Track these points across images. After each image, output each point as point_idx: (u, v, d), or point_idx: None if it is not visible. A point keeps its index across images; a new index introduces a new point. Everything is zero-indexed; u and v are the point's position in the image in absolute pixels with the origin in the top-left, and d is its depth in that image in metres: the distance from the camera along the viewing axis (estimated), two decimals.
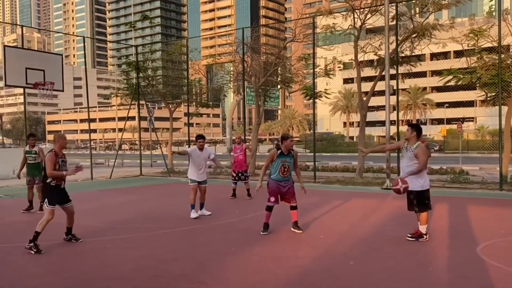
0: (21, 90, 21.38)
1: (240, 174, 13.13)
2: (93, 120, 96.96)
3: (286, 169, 8.14)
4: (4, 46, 15.27)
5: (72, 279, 5.83)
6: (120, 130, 40.19)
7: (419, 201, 7.42)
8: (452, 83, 17.06)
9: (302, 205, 11.56)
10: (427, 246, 7.29)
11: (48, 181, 7.27)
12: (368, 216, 10.13)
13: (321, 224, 9.22)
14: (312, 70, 18.66)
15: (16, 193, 13.86)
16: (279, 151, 8.15)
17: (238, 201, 12.63)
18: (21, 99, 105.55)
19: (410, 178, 7.30)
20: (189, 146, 22.75)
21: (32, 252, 6.98)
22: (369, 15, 17.84)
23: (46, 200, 7.32)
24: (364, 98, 18.55)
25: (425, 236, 7.52)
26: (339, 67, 20.56)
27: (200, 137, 10.10)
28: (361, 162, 18.29)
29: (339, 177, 18.34)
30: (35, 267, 6.42)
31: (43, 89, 14.96)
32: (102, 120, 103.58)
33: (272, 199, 8.18)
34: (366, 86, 19.37)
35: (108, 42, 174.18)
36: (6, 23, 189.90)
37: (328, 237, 7.98)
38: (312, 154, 19.12)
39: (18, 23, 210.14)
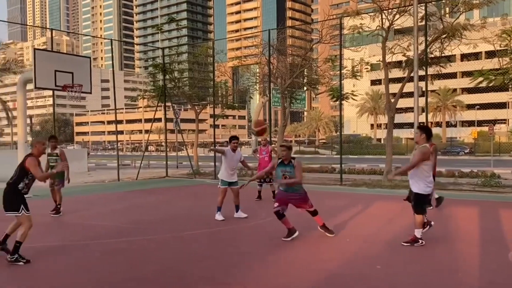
0: (50, 92, 21.77)
1: (265, 176, 13.00)
2: (120, 122, 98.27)
3: (285, 179, 7.81)
4: (34, 49, 15.53)
5: (99, 280, 5.87)
6: (147, 131, 40.57)
7: (416, 203, 7.32)
8: (483, 84, 16.64)
9: (328, 208, 11.48)
10: (456, 250, 7.13)
11: (20, 187, 6.62)
12: (395, 219, 9.96)
13: (348, 228, 9.09)
14: (339, 72, 18.46)
15: (45, 194, 14.10)
16: (280, 160, 7.88)
17: (264, 203, 12.55)
18: (50, 101, 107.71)
19: (412, 179, 7.27)
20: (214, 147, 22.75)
21: (21, 263, 6.46)
22: (397, 16, 17.53)
23: (23, 207, 6.60)
24: (392, 100, 18.25)
25: (420, 241, 7.33)
26: (367, 68, 20.29)
27: (234, 138, 10.03)
28: (388, 165, 17.98)
29: (366, 179, 18.08)
30: (62, 267, 6.50)
31: (71, 91, 15.18)
32: (128, 121, 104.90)
33: (276, 204, 7.91)
34: (394, 88, 19.03)
35: (135, 45, 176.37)
36: (37, 26, 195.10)
37: (355, 241, 7.88)
38: (338, 156, 18.91)
39: (48, 26, 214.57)
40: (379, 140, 69.87)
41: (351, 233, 8.55)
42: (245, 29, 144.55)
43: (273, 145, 13.54)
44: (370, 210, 11.43)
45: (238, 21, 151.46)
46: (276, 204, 7.87)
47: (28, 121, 17.26)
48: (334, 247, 7.44)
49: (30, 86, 15.78)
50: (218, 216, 9.85)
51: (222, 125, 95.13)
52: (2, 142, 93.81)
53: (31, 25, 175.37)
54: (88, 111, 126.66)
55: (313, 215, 8.13)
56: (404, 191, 14.94)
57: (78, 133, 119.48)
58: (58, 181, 10.97)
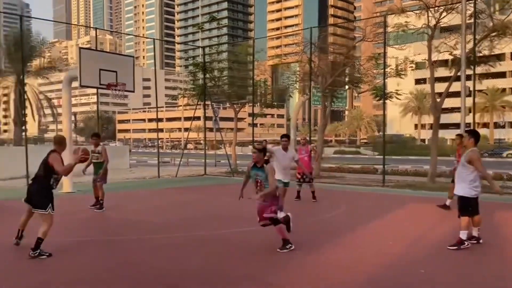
0: (93, 90, 22.18)
1: (304, 176, 12.77)
2: (160, 120, 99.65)
3: (258, 184, 7.06)
4: (80, 48, 15.82)
5: (143, 273, 5.94)
6: (186, 129, 40.96)
7: (460, 206, 7.32)
8: None
9: (370, 209, 11.24)
10: (505, 256, 6.86)
11: (51, 182, 6.76)
12: (440, 222, 9.65)
13: (390, 230, 8.88)
14: (382, 70, 18.04)
15: (88, 189, 14.39)
16: (253, 163, 7.15)
17: (304, 203, 12.38)
18: (94, 99, 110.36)
19: (458, 182, 7.34)
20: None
21: (44, 256, 6.59)
22: (444, 13, 16.96)
23: (50, 206, 6.73)
24: (438, 100, 17.69)
25: (466, 243, 7.18)
26: (411, 67, 19.76)
27: (284, 136, 9.83)
28: (433, 166, 17.45)
29: (410, 181, 17.63)
30: (108, 261, 6.62)
31: (115, 89, 15.37)
32: (168, 119, 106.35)
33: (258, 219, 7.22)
34: (440, 87, 18.44)
35: (176, 44, 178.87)
36: (81, 25, 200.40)
37: (398, 244, 7.67)
38: (380, 156, 18.50)
39: (91, 25, 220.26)
40: (423, 140, 68.27)
41: (394, 235, 8.35)
42: (286, 27, 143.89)
43: (312, 145, 13.33)
44: (414, 213, 11.13)
45: (278, 19, 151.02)
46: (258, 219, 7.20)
47: (72, 118, 17.70)
48: (376, 250, 7.26)
49: (74, 84, 16.09)
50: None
51: (261, 124, 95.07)
52: (47, 138, 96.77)
53: (75, 24, 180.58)
54: (130, 109, 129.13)
55: (274, 224, 7.13)
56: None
57: (120, 131, 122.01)
58: (99, 177, 11.13)
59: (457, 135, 11.18)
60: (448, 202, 11.07)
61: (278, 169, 9.51)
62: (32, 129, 45.14)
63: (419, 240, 8.00)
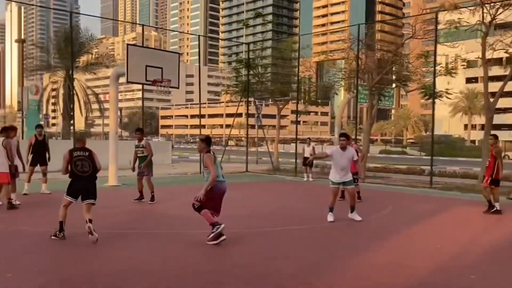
0: (138, 86, 22.50)
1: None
2: (203, 116, 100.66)
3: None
4: (127, 44, 16.01)
5: (183, 268, 5.96)
6: (228, 126, 41.08)
7: None
8: None
9: (417, 211, 10.85)
10: None
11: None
12: (490, 227, 9.27)
13: (438, 233, 8.55)
14: (432, 68, 17.41)
15: (133, 183, 14.59)
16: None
17: (346, 204, 12.12)
18: (138, 95, 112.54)
19: None
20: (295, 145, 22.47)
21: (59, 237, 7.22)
22: (500, 10, 16.17)
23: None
24: (491, 100, 16.92)
25: None
26: (463, 65, 19.00)
27: (342, 135, 9.52)
28: (484, 168, 16.70)
29: (458, 183, 16.97)
30: (149, 255, 6.67)
31: (160, 85, 15.47)
32: (210, 116, 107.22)
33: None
34: (493, 87, 17.65)
35: (220, 40, 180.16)
36: (128, 22, 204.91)
37: (446, 248, 7.38)
38: (427, 157, 17.90)
39: (138, 22, 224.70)
40: (473, 141, 66.00)
41: (442, 239, 8.04)
42: (332, 23, 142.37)
43: (358, 144, 12.97)
44: (463, 216, 10.74)
45: (324, 15, 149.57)
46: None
47: (118, 113, 18.07)
48: (424, 253, 6.98)
49: (121, 79, 16.30)
50: (329, 217, 9.30)
51: (304, 122, 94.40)
52: (94, 132, 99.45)
53: (122, 21, 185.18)
54: (173, 105, 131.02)
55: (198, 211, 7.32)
56: (501, 198, 13.82)
57: (163, 126, 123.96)
58: (146, 171, 11.34)
59: (492, 135, 11.21)
60: (498, 206, 10.69)
61: (335, 169, 9.31)
62: (79, 123, 46.39)
63: (468, 244, 7.70)
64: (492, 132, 13.05)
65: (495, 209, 10.66)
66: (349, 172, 9.35)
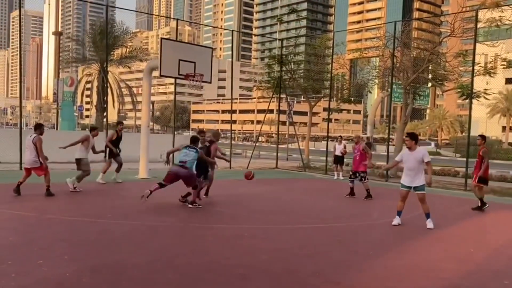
0: (171, 80, 22.66)
1: (357, 174, 12.71)
2: (234, 112, 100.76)
3: None
4: (161, 38, 16.11)
5: (212, 261, 5.96)
6: (259, 122, 41.04)
7: None
8: None
9: (451, 213, 10.61)
10: None
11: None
12: None
13: (472, 237, 8.36)
14: (470, 68, 16.91)
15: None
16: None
17: (375, 203, 12.00)
18: (171, 88, 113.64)
19: None
20: (327, 143, 22.25)
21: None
22: None
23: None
24: None
25: None
26: (503, 65, 18.37)
27: (407, 134, 8.88)
28: None
29: (495, 186, 16.46)
30: (178, 248, 6.74)
31: (193, 80, 15.52)
32: (241, 111, 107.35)
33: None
34: None
35: (253, 36, 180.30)
36: (163, 16, 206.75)
37: (479, 252, 7.18)
38: (463, 159, 17.45)
39: (172, 16, 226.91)
40: (510, 144, 64.17)
41: (476, 243, 7.85)
42: (368, 20, 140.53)
43: (364, 143, 12.94)
44: (498, 220, 10.44)
45: (360, 12, 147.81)
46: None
47: (150, 107, 18.28)
48: (456, 257, 6.81)
49: (154, 73, 16.42)
50: (394, 220, 8.90)
51: (336, 120, 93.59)
52: (126, 125, 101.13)
53: (157, 15, 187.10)
54: (205, 99, 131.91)
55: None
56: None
57: (194, 121, 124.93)
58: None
59: (479, 135, 12.03)
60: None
61: (404, 171, 8.81)
62: (112, 115, 47.17)
63: (503, 249, 7.48)
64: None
65: (486, 206, 11.23)
66: (420, 175, 8.58)
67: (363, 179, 12.66)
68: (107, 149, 13.43)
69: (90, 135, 12.19)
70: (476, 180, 11.32)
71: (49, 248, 6.30)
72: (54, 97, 40.78)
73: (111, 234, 7.25)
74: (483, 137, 11.95)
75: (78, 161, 11.82)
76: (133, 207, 9.65)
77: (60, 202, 10.11)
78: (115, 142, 13.50)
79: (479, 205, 11.35)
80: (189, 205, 9.94)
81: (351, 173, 13.14)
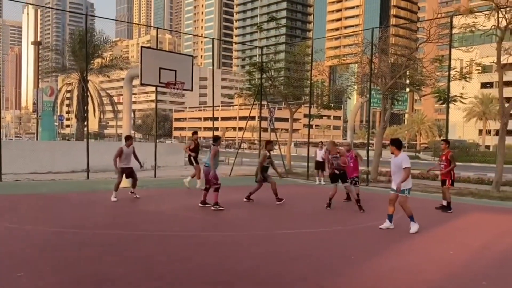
0: (152, 88, 22.65)
1: (351, 180, 12.73)
2: (216, 119, 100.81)
3: None
4: (141, 47, 16.14)
5: (194, 269, 5.94)
6: (241, 129, 41.08)
7: None
8: None
9: (430, 217, 10.77)
10: None
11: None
12: (504, 233, 9.15)
13: (451, 239, 8.50)
14: (446, 73, 17.28)
15: (145, 184, 14.74)
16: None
17: (365, 209, 12.12)
18: (152, 97, 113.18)
19: None
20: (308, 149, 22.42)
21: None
22: None
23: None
24: (506, 105, 16.74)
25: None
26: (478, 70, 18.80)
27: (391, 141, 9.08)
28: (499, 174, 16.53)
29: (472, 189, 16.79)
30: (160, 257, 6.68)
31: (174, 88, 15.56)
32: (224, 119, 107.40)
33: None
34: (509, 92, 17.47)
35: (233, 44, 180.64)
36: (142, 25, 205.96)
37: (459, 254, 7.34)
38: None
39: (152, 25, 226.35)
40: (487, 147, 65.25)
41: (455, 245, 7.99)
42: (346, 27, 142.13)
43: (352, 149, 13.25)
44: (476, 222, 10.64)
45: (338, 19, 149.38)
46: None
47: (132, 115, 18.20)
48: (436, 259, 6.93)
49: (135, 82, 16.42)
50: (384, 224, 9.07)
51: (316, 125, 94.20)
52: (107, 134, 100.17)
53: (137, 24, 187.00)
54: (186, 107, 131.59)
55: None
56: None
57: (176, 129, 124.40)
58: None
59: (443, 140, 12.98)
60: (445, 203, 11.94)
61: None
62: (92, 124, 46.72)
63: (481, 250, 7.65)
64: (507, 137, 12.95)
65: (450, 210, 11.71)
66: (399, 179, 8.77)
67: (356, 183, 12.87)
68: (190, 157, 14.99)
69: (122, 146, 12.50)
70: (450, 183, 11.92)
71: (30, 260, 6.25)
72: (34, 107, 40.25)
73: (92, 244, 7.21)
74: (446, 141, 12.63)
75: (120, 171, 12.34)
76: (114, 217, 9.64)
77: (44, 213, 10.04)
78: (194, 150, 15.04)
79: (444, 205, 11.93)
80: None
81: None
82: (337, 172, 11.63)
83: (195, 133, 15.65)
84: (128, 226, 8.74)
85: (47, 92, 35.95)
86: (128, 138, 12.82)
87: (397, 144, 8.94)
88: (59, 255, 6.52)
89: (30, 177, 16.95)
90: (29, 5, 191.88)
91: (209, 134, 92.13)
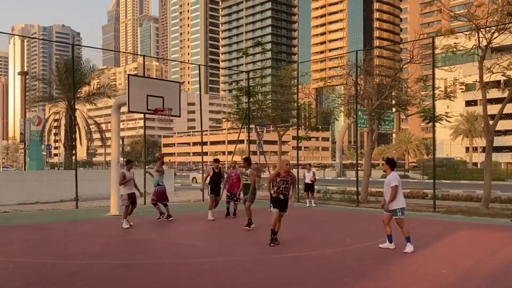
0: (140, 115, 22.63)
1: (232, 196, 14.02)
2: (205, 143, 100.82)
3: None
4: (128, 75, 16.21)
5: None
6: (230, 153, 41.10)
7: None
8: None
9: (421, 236, 10.80)
10: None
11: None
12: (495, 251, 9.20)
13: (443, 258, 8.49)
14: (430, 92, 17.55)
15: (135, 212, 14.60)
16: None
17: (348, 229, 12.10)
18: (140, 123, 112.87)
19: None
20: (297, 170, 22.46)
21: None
22: (496, 34, 16.38)
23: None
24: (491, 122, 16.99)
25: None
26: (461, 88, 19.12)
27: (385, 160, 9.36)
28: (487, 191, 16.68)
29: (462, 206, 16.89)
30: (154, 285, 6.61)
31: (162, 114, 15.59)
32: (212, 143, 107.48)
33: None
34: (493, 109, 17.74)
35: (220, 69, 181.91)
36: (129, 53, 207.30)
37: (451, 272, 7.33)
38: (430, 180, 17.86)
39: (139, 52, 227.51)
40: (475, 164, 65.72)
41: (447, 264, 7.99)
42: (330, 50, 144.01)
43: (240, 168, 14.27)
44: (467, 240, 10.67)
45: (323, 43, 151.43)
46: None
47: (120, 142, 18.19)
48: (429, 279, 6.93)
49: (123, 109, 16.44)
50: (384, 244, 9.19)
51: (305, 147, 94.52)
52: (96, 162, 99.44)
53: (123, 52, 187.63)
54: (175, 133, 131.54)
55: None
56: (505, 220, 13.78)
57: (165, 154, 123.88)
58: (248, 198, 12.64)
59: (385, 160, 12.13)
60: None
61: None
62: (81, 153, 46.40)
63: (473, 269, 7.66)
64: (493, 154, 13.07)
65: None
66: (391, 200, 8.83)
67: (238, 200, 14.17)
68: (209, 186, 14.25)
69: (123, 171, 12.61)
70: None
71: None
72: (21, 137, 39.99)
73: (82, 275, 7.12)
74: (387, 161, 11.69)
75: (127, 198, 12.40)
76: (102, 246, 9.55)
77: (33, 244, 9.90)
78: (215, 178, 14.18)
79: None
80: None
81: (229, 194, 14.20)
82: (281, 197, 9.71)
83: (216, 160, 14.51)
84: (117, 255, 8.67)
85: (35, 121, 35.80)
86: (129, 162, 12.94)
87: (390, 163, 9.12)
88: (48, 287, 6.44)
89: (18, 208, 16.74)
90: (16, 36, 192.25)
91: (198, 159, 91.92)
